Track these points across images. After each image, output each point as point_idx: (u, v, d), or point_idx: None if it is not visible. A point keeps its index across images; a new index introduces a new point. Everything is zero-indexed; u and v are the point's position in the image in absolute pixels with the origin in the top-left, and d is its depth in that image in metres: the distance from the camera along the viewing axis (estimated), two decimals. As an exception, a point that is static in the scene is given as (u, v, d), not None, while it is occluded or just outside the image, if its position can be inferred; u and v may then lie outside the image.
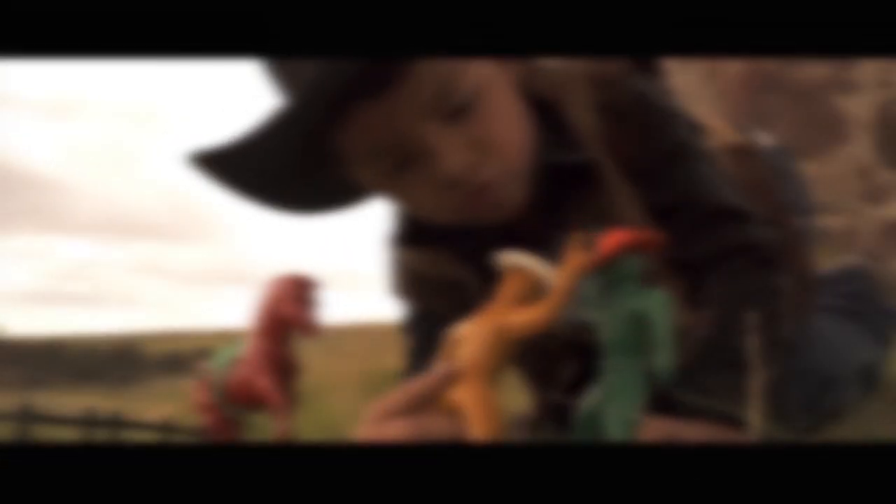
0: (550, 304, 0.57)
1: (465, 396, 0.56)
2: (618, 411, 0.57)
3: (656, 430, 0.61)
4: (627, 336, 0.58)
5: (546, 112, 0.85)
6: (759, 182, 1.00)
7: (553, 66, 0.87)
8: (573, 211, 0.86)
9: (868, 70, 2.68)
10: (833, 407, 0.90)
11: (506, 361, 0.59)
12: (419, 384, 0.59)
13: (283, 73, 0.77)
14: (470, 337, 0.58)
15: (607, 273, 0.59)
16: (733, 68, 2.73)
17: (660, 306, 0.57)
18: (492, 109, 0.78)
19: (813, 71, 2.67)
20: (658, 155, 0.82)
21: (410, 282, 0.97)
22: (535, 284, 0.60)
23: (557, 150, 0.83)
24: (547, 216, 0.86)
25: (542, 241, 0.87)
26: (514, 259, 0.60)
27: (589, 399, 0.60)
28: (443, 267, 0.92)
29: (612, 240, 0.59)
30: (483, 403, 0.56)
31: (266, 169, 0.76)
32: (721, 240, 0.80)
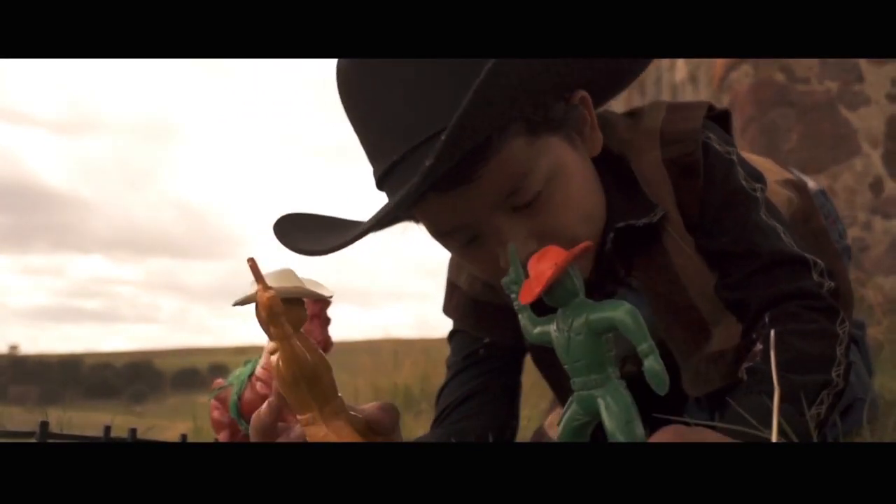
0: (281, 344, 0.59)
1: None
2: (620, 426, 0.55)
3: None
4: (592, 351, 0.57)
5: (616, 166, 0.85)
6: (812, 220, 0.98)
7: (622, 124, 0.88)
8: (637, 266, 0.86)
9: (877, 83, 2.68)
10: (850, 428, 0.91)
11: (310, 372, 0.60)
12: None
13: (367, 145, 0.79)
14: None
15: (550, 297, 0.58)
16: (743, 84, 2.74)
17: (629, 315, 0.55)
18: (562, 197, 0.78)
19: (821, 85, 2.68)
20: (718, 202, 0.83)
21: (466, 305, 1.00)
22: (293, 296, 0.60)
23: (627, 207, 0.83)
24: (611, 272, 0.87)
25: (604, 295, 0.88)
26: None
27: (566, 420, 0.59)
28: (498, 295, 0.93)
29: (548, 265, 0.57)
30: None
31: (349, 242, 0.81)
32: (778, 287, 0.78)
